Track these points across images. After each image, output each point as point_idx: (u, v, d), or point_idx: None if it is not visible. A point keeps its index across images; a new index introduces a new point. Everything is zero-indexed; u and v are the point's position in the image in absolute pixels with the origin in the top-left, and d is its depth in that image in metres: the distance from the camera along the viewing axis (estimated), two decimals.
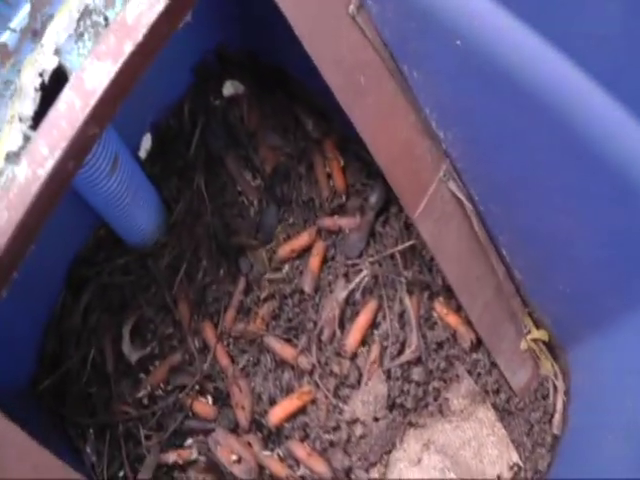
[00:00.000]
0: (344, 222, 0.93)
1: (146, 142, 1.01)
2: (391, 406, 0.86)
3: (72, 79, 0.65)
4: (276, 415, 0.87)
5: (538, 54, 0.61)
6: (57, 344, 0.92)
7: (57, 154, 0.63)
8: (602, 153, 0.61)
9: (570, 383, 0.88)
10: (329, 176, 0.97)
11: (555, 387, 0.87)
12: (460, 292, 0.81)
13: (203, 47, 1.03)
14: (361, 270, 0.90)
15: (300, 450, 0.85)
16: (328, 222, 0.94)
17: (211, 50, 1.04)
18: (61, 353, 0.92)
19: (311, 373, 0.89)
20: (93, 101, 0.64)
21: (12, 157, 0.66)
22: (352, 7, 0.71)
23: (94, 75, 0.64)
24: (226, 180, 0.98)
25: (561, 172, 0.69)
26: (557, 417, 0.86)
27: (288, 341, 0.91)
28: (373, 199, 0.93)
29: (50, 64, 0.70)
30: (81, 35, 0.73)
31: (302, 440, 0.87)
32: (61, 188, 0.65)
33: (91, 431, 0.88)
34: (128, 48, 0.65)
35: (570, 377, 0.88)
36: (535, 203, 0.75)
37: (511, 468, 0.85)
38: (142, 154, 1.00)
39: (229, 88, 1.05)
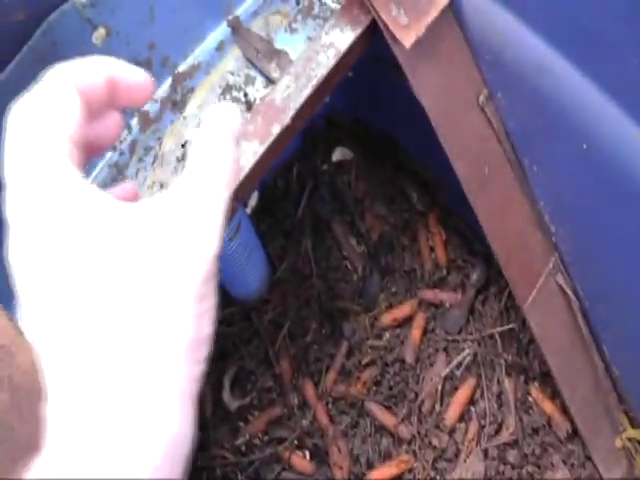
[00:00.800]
0: (445, 296, 0.96)
1: (252, 199, 1.07)
2: None
3: None
4: (375, 479, 0.90)
5: None
6: None
7: None
8: None
9: None
10: (432, 249, 1.01)
11: None
12: (561, 383, 0.82)
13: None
14: (461, 346, 0.92)
15: None
16: (429, 295, 0.97)
17: (321, 115, 1.10)
18: None
19: (410, 442, 0.91)
20: (240, 178, 0.69)
21: None
22: (482, 97, 0.75)
23: (242, 154, 0.70)
24: (331, 244, 1.03)
25: None
26: None
27: (388, 408, 0.93)
28: (474, 277, 0.96)
29: (193, 136, 0.77)
30: None
31: None
32: None
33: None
34: (276, 130, 0.70)
35: None
36: None
37: None
38: (247, 210, 1.06)
39: (338, 154, 1.10)
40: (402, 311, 0.96)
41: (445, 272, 0.99)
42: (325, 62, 0.72)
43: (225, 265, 0.91)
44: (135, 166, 0.78)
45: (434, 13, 0.67)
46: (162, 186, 0.76)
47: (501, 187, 0.78)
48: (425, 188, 1.04)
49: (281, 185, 1.08)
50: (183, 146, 0.77)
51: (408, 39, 0.66)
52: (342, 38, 0.72)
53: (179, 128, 0.79)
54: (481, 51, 0.73)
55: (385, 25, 0.67)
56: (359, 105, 1.08)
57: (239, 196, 0.72)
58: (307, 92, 0.71)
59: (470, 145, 0.75)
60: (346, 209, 1.05)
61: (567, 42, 0.65)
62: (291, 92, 0.71)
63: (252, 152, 0.70)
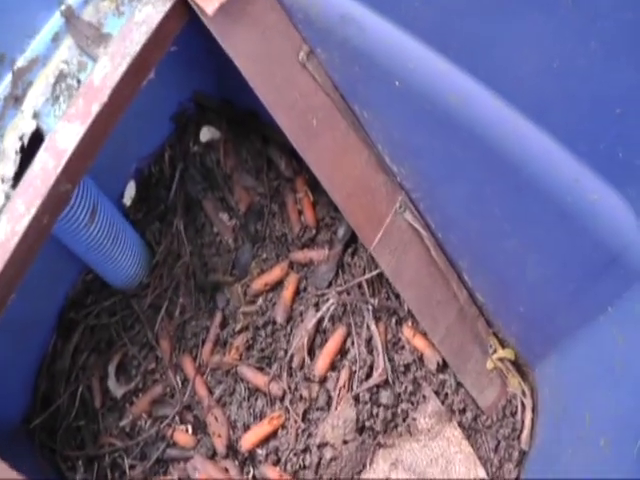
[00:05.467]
0: (314, 254, 0.99)
1: (130, 189, 1.07)
2: (360, 429, 0.90)
3: (46, 141, 0.72)
4: (248, 440, 0.92)
5: (470, 94, 0.66)
6: (49, 384, 0.98)
7: (33, 211, 0.69)
8: (537, 183, 0.65)
9: (537, 399, 0.91)
10: (300, 212, 1.03)
11: (523, 404, 0.90)
12: (421, 316, 0.86)
13: (181, 97, 1.09)
14: (330, 299, 0.95)
15: (272, 473, 0.90)
16: (299, 255, 1.00)
17: (189, 99, 1.11)
18: (52, 392, 0.98)
19: (282, 399, 0.93)
20: (64, 160, 0.70)
21: None
22: (302, 54, 0.77)
23: (65, 136, 0.71)
24: (204, 221, 1.04)
25: (503, 201, 0.73)
26: (525, 433, 0.89)
27: (261, 370, 0.95)
28: (341, 232, 0.99)
29: (29, 128, 0.77)
30: (57, 98, 0.79)
31: (275, 464, 0.91)
32: (38, 241, 0.70)
33: (80, 463, 0.92)
34: (95, 109, 0.71)
35: (537, 393, 0.91)
36: (486, 230, 0.80)
37: None
38: (127, 201, 1.06)
39: (206, 134, 1.11)
40: (272, 275, 0.98)
41: (314, 232, 1.01)
42: (138, 39, 0.73)
43: (90, 252, 0.91)
44: None
45: None
46: (3, 180, 0.77)
47: (333, 137, 0.80)
48: (292, 156, 1.06)
49: (156, 171, 1.09)
50: (21, 139, 0.77)
51: (211, 6, 0.68)
52: (154, 14, 0.73)
53: (18, 123, 0.80)
54: (293, 11, 0.75)
55: None
56: (223, 85, 1.10)
57: (71, 178, 0.73)
58: (122, 70, 0.72)
59: (295, 101, 0.77)
60: (216, 186, 1.06)
61: None
62: (107, 71, 0.72)
63: (75, 133, 0.71)
